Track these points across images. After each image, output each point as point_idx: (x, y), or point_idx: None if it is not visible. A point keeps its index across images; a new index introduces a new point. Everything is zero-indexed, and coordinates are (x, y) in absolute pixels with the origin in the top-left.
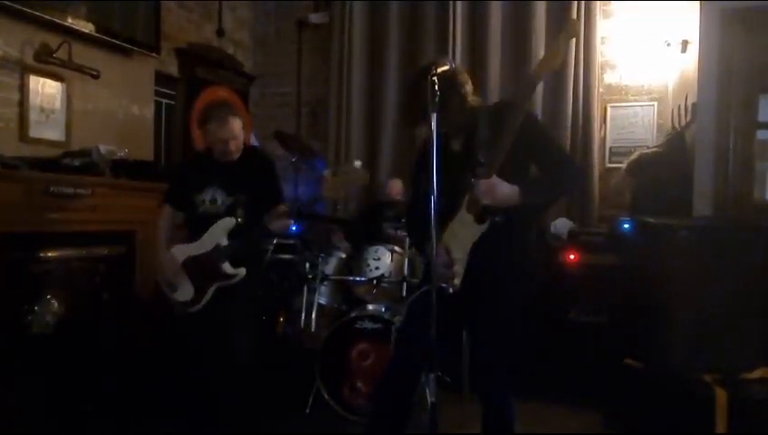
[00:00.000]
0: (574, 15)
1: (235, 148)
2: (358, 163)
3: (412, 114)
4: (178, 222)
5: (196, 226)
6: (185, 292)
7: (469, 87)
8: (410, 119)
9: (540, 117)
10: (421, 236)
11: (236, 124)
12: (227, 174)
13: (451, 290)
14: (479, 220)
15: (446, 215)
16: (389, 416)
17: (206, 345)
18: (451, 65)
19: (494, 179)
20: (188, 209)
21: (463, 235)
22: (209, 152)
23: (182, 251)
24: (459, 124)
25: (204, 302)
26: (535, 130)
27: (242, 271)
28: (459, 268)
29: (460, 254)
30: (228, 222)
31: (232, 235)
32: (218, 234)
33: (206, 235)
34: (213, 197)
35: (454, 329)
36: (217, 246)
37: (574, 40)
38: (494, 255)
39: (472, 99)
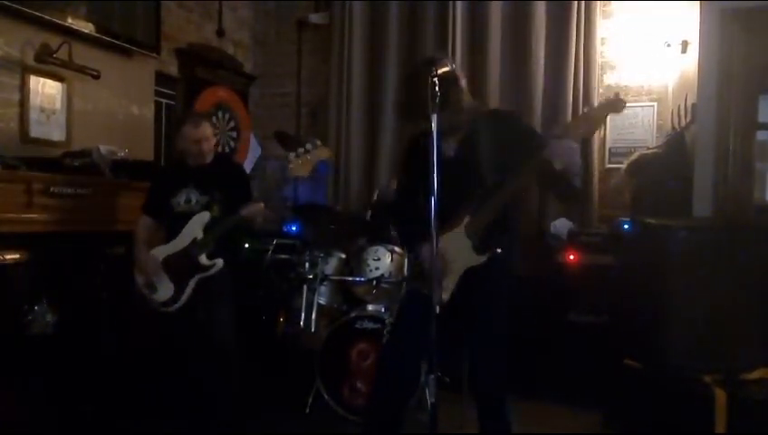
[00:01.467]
0: (574, 15)
1: (207, 149)
2: (317, 142)
3: (411, 110)
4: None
5: (173, 227)
6: (164, 291)
7: (465, 86)
8: (409, 115)
9: (540, 117)
10: (410, 235)
11: (207, 127)
12: (201, 175)
13: (438, 308)
14: (479, 251)
15: (438, 219)
16: (386, 417)
17: (193, 341)
18: (451, 64)
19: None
20: (166, 213)
21: (458, 255)
22: (182, 159)
23: (161, 251)
24: (455, 124)
25: (184, 298)
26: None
27: (219, 262)
28: (449, 284)
29: (454, 266)
30: (204, 216)
31: (207, 229)
32: (195, 229)
33: (183, 231)
34: (188, 197)
35: (451, 329)
36: (194, 240)
37: (574, 40)
38: (489, 286)
39: (468, 98)
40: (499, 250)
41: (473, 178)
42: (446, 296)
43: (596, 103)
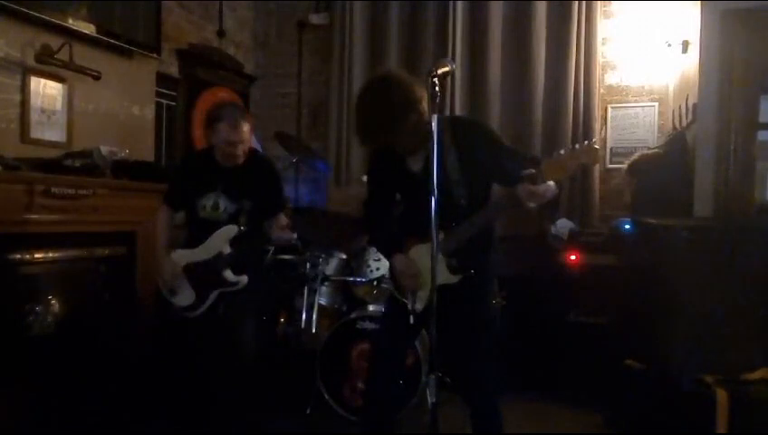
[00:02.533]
0: (575, 15)
1: (242, 152)
2: (365, 178)
3: (368, 132)
4: (179, 222)
5: (197, 230)
6: (185, 297)
7: (426, 101)
8: (366, 139)
9: (540, 117)
10: (382, 244)
11: (246, 128)
12: (231, 180)
13: (411, 319)
14: (452, 270)
15: (408, 233)
16: (376, 417)
17: (205, 349)
18: (407, 83)
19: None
20: (189, 212)
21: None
22: (211, 153)
23: (183, 256)
24: (417, 144)
25: (204, 307)
26: (492, 141)
27: (244, 279)
28: (423, 294)
29: (426, 279)
30: (231, 230)
31: (234, 242)
32: (221, 241)
33: (208, 241)
34: (215, 202)
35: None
36: (220, 254)
37: (574, 40)
38: (465, 309)
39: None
40: (472, 271)
41: (442, 192)
42: (419, 306)
43: (577, 146)
